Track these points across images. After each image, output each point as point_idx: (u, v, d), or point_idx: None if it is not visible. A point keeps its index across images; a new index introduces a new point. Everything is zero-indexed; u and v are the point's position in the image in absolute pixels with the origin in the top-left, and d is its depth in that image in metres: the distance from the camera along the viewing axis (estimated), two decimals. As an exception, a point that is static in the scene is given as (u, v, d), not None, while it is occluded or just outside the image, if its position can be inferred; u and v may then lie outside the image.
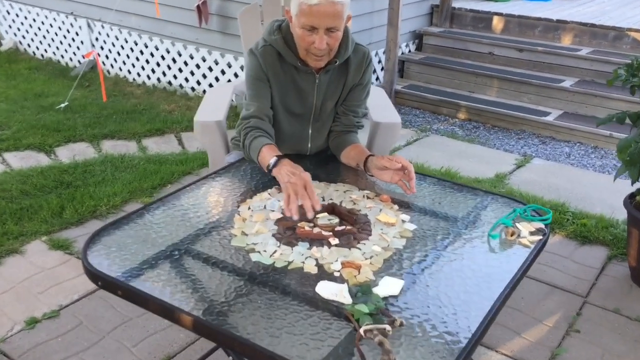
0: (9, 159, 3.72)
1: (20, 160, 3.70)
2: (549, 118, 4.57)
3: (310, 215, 1.54)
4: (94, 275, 1.39)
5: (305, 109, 1.91)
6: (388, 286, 1.34)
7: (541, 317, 2.33)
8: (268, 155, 1.71)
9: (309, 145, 1.99)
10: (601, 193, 3.50)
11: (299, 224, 1.56)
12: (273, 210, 1.65)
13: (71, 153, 3.83)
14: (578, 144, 4.39)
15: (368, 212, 1.67)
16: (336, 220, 1.59)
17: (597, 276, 2.63)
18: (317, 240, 1.52)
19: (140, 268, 1.40)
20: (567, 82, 4.80)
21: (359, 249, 1.49)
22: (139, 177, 3.40)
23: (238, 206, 1.69)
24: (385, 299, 1.31)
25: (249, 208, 1.67)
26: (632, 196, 2.55)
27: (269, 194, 1.74)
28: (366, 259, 1.45)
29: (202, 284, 1.35)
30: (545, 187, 3.54)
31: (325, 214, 1.61)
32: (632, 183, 2.43)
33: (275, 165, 1.66)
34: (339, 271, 1.39)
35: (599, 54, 4.93)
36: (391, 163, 1.71)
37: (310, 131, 1.96)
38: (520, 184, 3.57)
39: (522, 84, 4.88)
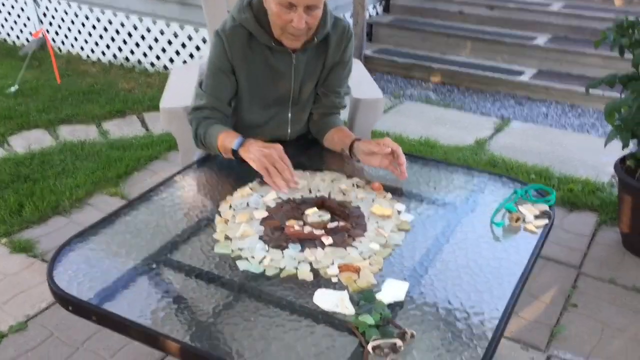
0: (-43, 152, 3.48)
1: (-30, 153, 3.47)
2: (524, 77, 4.49)
3: (292, 185, 1.51)
4: (64, 299, 1.25)
5: (282, 92, 1.76)
6: (392, 290, 1.23)
7: (537, 293, 2.27)
8: (228, 138, 1.60)
9: (289, 130, 1.85)
10: (583, 154, 3.45)
11: (287, 223, 1.44)
12: (257, 208, 1.52)
13: (26, 142, 3.61)
14: (554, 102, 4.33)
15: (360, 203, 1.55)
16: (327, 216, 1.47)
17: (589, 244, 2.59)
18: (309, 241, 1.40)
19: (115, 287, 1.26)
20: (541, 40, 4.72)
21: (355, 247, 1.37)
22: (102, 166, 3.22)
23: (218, 205, 1.55)
24: (390, 305, 1.20)
25: (231, 207, 1.54)
26: (622, 161, 2.49)
27: (251, 188, 1.61)
28: (364, 259, 1.34)
29: (187, 301, 1.22)
30: (527, 151, 3.48)
31: (315, 209, 1.49)
32: (623, 148, 2.37)
33: (241, 145, 1.55)
34: (336, 276, 1.28)
35: (571, 8, 4.85)
36: (380, 147, 1.59)
37: (289, 115, 1.82)
38: (501, 149, 3.50)
39: (495, 43, 4.79)
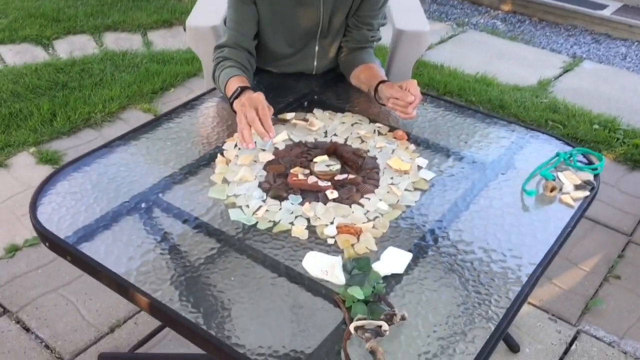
0: (4, 53, 3.48)
1: (15, 55, 3.46)
2: (606, 12, 4.08)
3: (266, 139, 1.34)
4: (41, 234, 1.19)
5: (309, 23, 1.59)
6: (392, 261, 1.11)
7: (578, 259, 2.10)
8: (233, 87, 1.45)
9: (315, 63, 1.69)
10: (659, 106, 3.13)
11: (291, 170, 1.32)
12: (264, 150, 1.40)
13: (70, 47, 3.57)
14: (637, 43, 3.93)
15: (378, 153, 1.41)
16: (337, 166, 1.33)
17: (646, 210, 2.36)
18: (312, 193, 1.28)
19: (97, 226, 1.18)
20: (631, -30, 4.25)
21: (362, 205, 1.24)
22: (139, 79, 3.14)
23: (223, 142, 1.44)
24: (386, 278, 1.08)
25: (236, 145, 1.42)
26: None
27: (261, 126, 1.48)
28: (369, 220, 1.21)
29: (166, 250, 1.13)
30: (595, 97, 3.18)
31: (325, 157, 1.36)
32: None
33: (237, 96, 1.41)
34: (333, 237, 1.16)
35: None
36: (402, 94, 1.42)
37: (316, 49, 1.65)
38: (565, 92, 3.21)
39: (578, -30, 4.34)
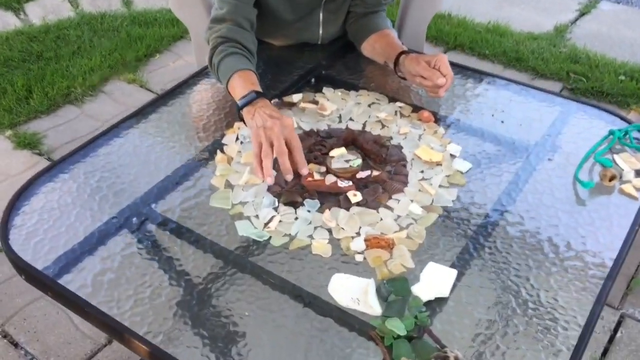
0: (-30, 21, 3.22)
1: (-17, 22, 3.20)
2: (622, -54, 3.80)
3: (289, 178, 1.11)
4: (15, 264, 1.02)
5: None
6: (433, 281, 0.95)
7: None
8: (241, 87, 1.21)
9: (320, 32, 1.49)
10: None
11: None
12: (270, 143, 1.22)
13: (43, 11, 3.32)
14: (656, -21, 3.68)
15: (402, 141, 1.23)
16: (358, 161, 1.16)
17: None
18: (331, 195, 1.10)
19: (81, 251, 1.02)
20: None
21: (391, 209, 1.07)
22: (121, 45, 2.91)
23: (222, 135, 1.25)
24: (428, 304, 0.92)
25: (237, 139, 1.24)
26: None
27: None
28: (401, 228, 1.04)
29: (165, 282, 0.96)
30: (617, 43, 2.98)
31: (343, 150, 1.17)
32: None
33: (248, 103, 1.18)
34: (362, 253, 0.99)
35: None
36: (430, 73, 1.23)
37: (321, 15, 1.45)
38: (585, 38, 3.00)
39: None
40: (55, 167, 1.19)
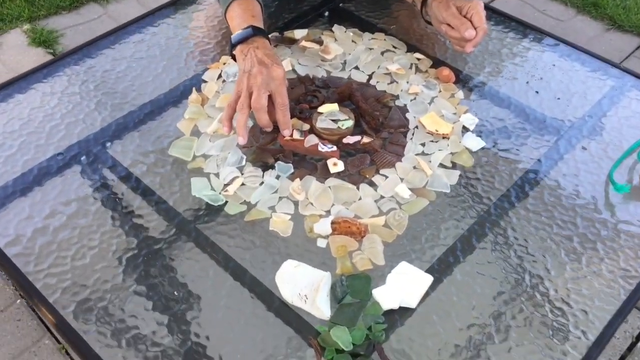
0: None
1: None
2: None
3: (267, 130, 0.96)
4: (-59, 196, 0.92)
5: None
6: (402, 286, 0.80)
7: None
8: (239, 18, 1.02)
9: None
10: None
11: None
12: (255, 85, 1.06)
13: None
14: None
15: (410, 102, 1.05)
16: (349, 122, 0.99)
17: None
18: (308, 161, 0.95)
19: (13, 190, 0.91)
20: None
21: (374, 186, 0.91)
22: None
23: (204, 70, 1.10)
24: (388, 314, 0.78)
25: (220, 76, 1.09)
26: None
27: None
28: (381, 212, 0.88)
29: (93, 242, 0.85)
30: None
31: (334, 106, 1.01)
32: None
33: (243, 40, 1.00)
34: (326, 238, 0.85)
35: None
36: (460, 23, 1.03)
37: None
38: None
39: None
40: (8, 86, 1.07)
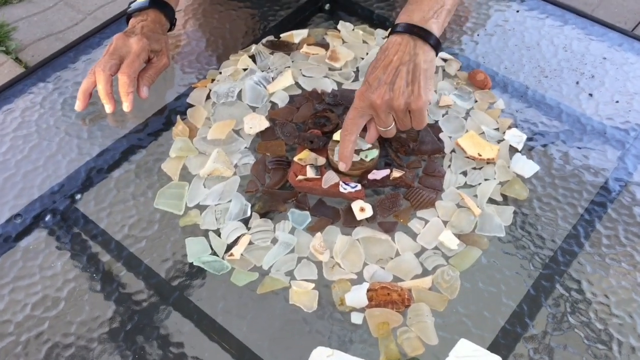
0: None
1: None
2: None
3: (110, 110, 0.86)
4: None
5: None
6: (464, 373, 0.65)
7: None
8: None
9: None
10: None
11: (296, 158, 0.81)
12: (255, 107, 0.89)
13: None
14: None
15: (442, 119, 0.88)
16: (375, 151, 0.82)
17: None
18: (327, 205, 0.78)
19: (-37, 270, 0.73)
20: None
21: (413, 235, 0.75)
22: None
23: (190, 87, 0.92)
24: (454, 413, 0.63)
25: (209, 97, 0.91)
26: None
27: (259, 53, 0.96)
28: (426, 271, 0.72)
29: (69, 337, 0.68)
30: None
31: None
32: None
33: (136, 11, 0.90)
34: (362, 311, 0.69)
35: None
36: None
37: None
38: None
39: None
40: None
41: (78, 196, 0.80)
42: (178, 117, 0.88)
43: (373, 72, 0.73)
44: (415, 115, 0.74)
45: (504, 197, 0.79)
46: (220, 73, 0.94)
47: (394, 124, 0.76)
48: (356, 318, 0.69)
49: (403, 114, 0.74)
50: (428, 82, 0.73)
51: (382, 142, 0.84)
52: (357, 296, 0.70)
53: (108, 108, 0.86)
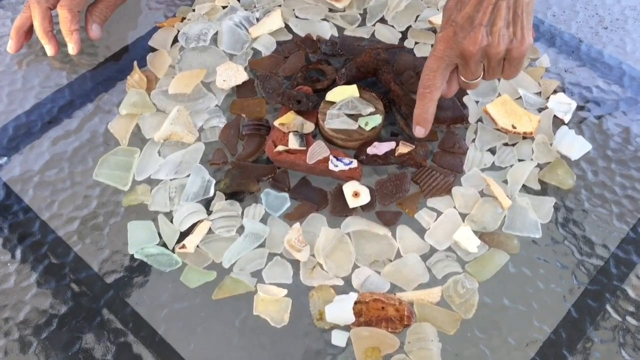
0: None
1: None
2: None
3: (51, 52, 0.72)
4: None
5: None
6: None
7: None
8: None
9: None
10: None
11: (277, 122, 0.64)
12: (234, 54, 0.72)
13: None
14: None
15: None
16: (378, 117, 0.64)
17: None
18: (312, 186, 0.62)
19: None
20: None
21: (421, 231, 0.59)
22: None
23: (155, 29, 0.76)
24: None
25: (176, 41, 0.74)
26: None
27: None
28: (435, 280, 0.56)
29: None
30: None
31: (353, 88, 0.66)
32: None
33: None
34: (346, 330, 0.54)
35: None
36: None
37: None
38: None
39: None
40: None
41: (3, 159, 0.65)
42: (135, 63, 0.71)
43: (461, 8, 0.55)
44: (513, 64, 0.57)
45: (543, 184, 0.62)
46: (194, 11, 0.77)
47: (482, 74, 0.59)
48: (338, 339, 0.53)
49: (498, 62, 0.57)
50: (530, 19, 0.55)
51: (388, 105, 0.67)
52: (341, 309, 0.54)
53: (48, 49, 0.71)
